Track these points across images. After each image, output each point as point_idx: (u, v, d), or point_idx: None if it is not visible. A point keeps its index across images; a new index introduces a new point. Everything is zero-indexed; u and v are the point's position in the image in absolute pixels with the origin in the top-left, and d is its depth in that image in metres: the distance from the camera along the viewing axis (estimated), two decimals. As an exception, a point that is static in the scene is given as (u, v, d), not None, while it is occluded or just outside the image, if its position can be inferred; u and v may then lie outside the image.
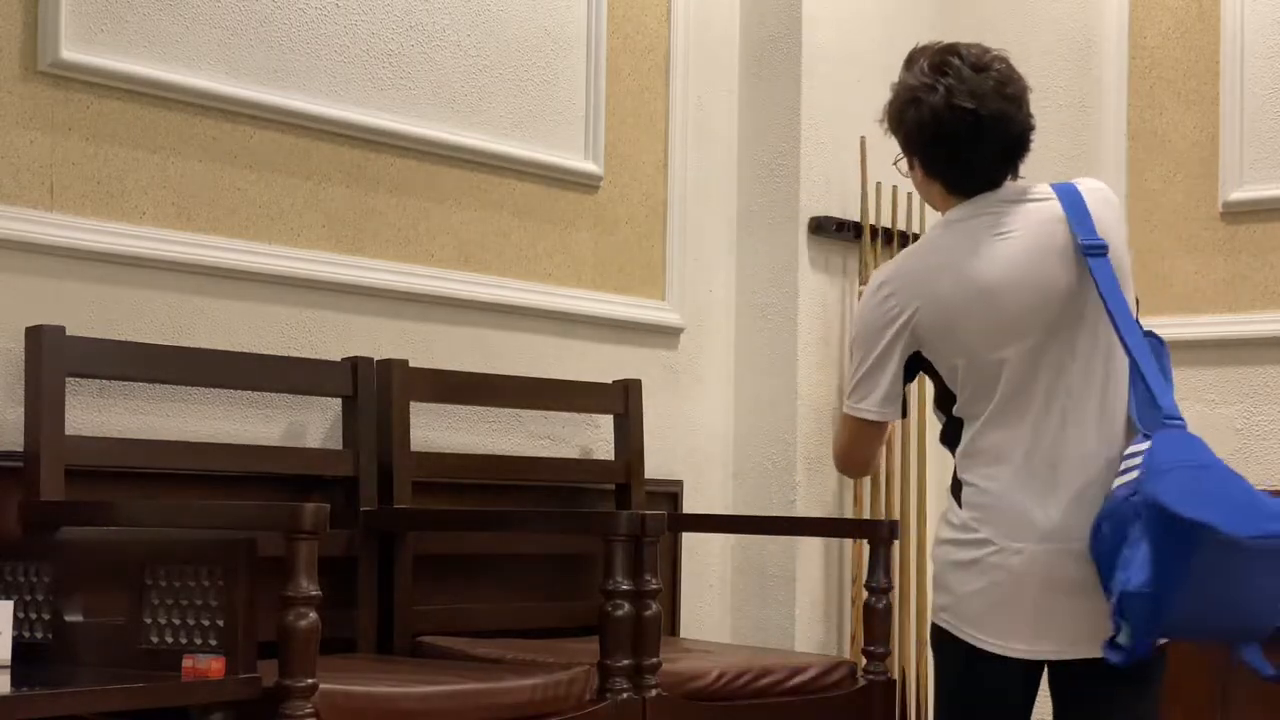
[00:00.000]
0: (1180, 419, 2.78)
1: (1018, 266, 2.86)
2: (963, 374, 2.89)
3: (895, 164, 3.04)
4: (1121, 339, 2.84)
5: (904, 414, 3.04)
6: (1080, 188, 2.93)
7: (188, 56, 3.24)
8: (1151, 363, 2.83)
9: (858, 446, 3.09)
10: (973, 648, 2.87)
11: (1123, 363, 2.86)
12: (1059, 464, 2.85)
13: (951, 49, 2.93)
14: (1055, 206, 2.90)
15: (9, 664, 2.56)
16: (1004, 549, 2.85)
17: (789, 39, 4.27)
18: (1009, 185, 2.94)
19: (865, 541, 3.80)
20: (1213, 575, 2.64)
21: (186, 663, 2.47)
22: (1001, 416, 2.87)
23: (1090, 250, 2.85)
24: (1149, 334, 2.89)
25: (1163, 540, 2.64)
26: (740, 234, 4.32)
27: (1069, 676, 2.91)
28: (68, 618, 2.70)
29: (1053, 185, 2.93)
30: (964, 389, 2.90)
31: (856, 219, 4.27)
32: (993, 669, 2.88)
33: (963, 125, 2.88)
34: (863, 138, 4.22)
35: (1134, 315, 2.88)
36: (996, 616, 2.86)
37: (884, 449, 3.13)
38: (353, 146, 3.51)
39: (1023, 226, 2.89)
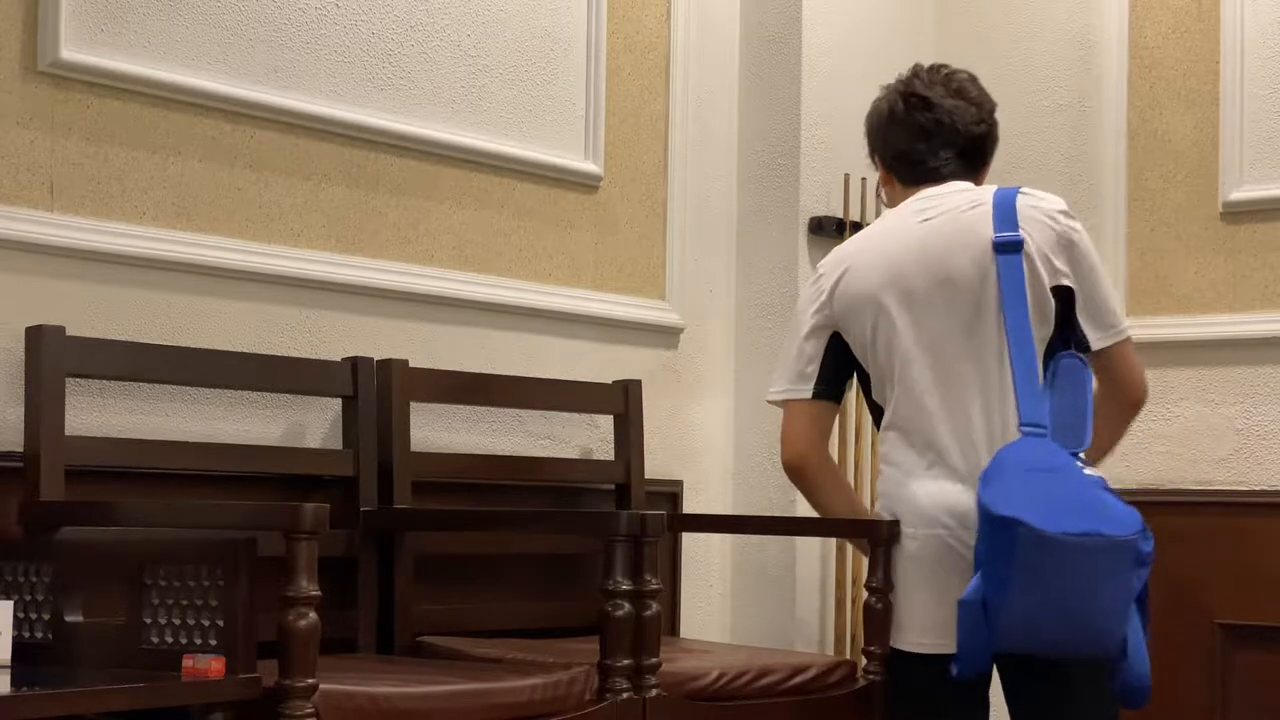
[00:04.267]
0: (1040, 426, 2.75)
1: (926, 247, 2.89)
2: (871, 351, 2.89)
3: (878, 193, 3.12)
4: (1007, 339, 2.81)
5: (827, 397, 3.00)
6: (1020, 191, 2.94)
7: (188, 56, 3.24)
8: (1028, 369, 2.79)
9: (783, 437, 3.07)
10: (897, 650, 2.87)
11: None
12: (949, 451, 2.83)
13: (920, 65, 3.11)
14: (984, 198, 2.92)
15: (9, 664, 2.56)
16: (901, 534, 2.86)
17: (789, 39, 4.27)
18: (955, 182, 2.99)
19: (865, 541, 3.80)
20: (1035, 576, 2.60)
21: (186, 663, 2.47)
22: (903, 399, 2.88)
23: (1000, 246, 2.84)
24: (1072, 354, 2.86)
25: (988, 542, 2.63)
26: (740, 234, 4.32)
27: (1006, 667, 2.89)
28: (68, 618, 2.70)
29: (998, 189, 2.95)
30: (874, 368, 2.91)
31: (856, 219, 4.28)
32: (920, 668, 2.87)
33: (915, 111, 3.01)
34: (847, 176, 4.21)
35: (1044, 320, 2.84)
36: (907, 610, 2.85)
37: (821, 455, 3.07)
38: (353, 146, 3.51)
39: (944, 212, 2.91)
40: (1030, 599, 2.62)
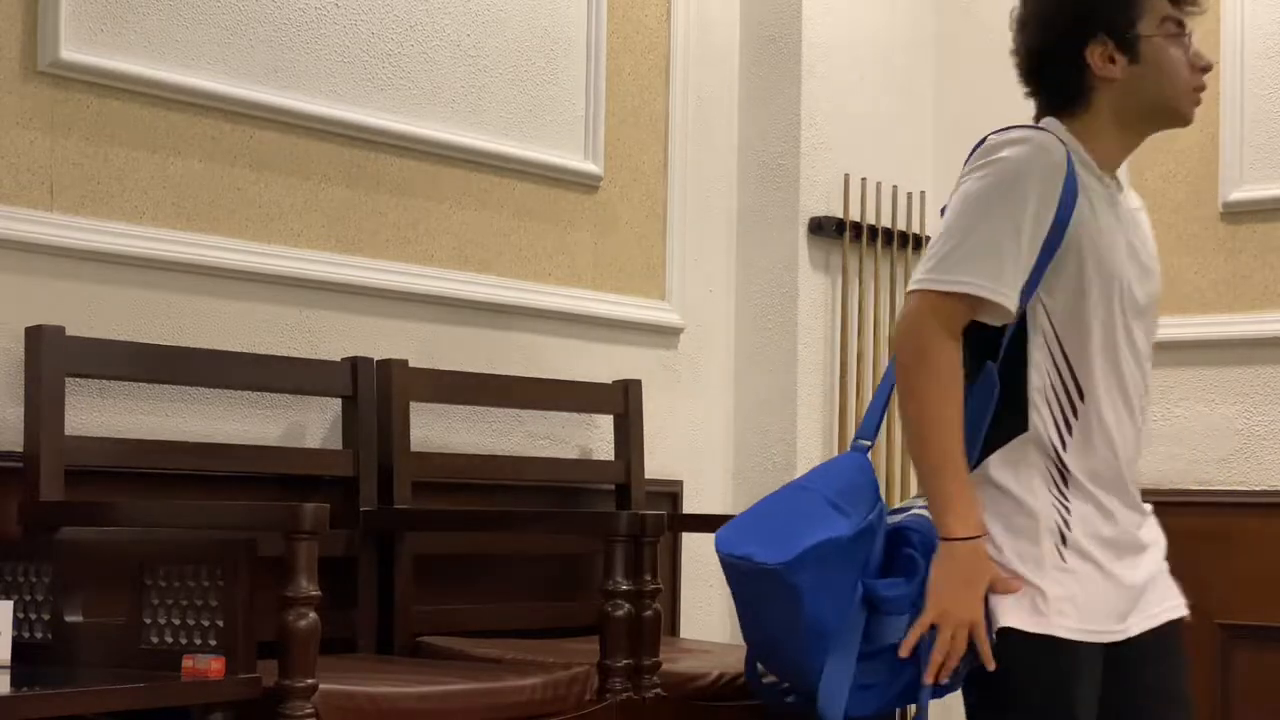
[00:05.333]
0: (864, 442, 2.55)
1: None
2: None
3: None
4: None
5: None
6: (987, 141, 2.41)
7: (188, 56, 3.24)
8: (889, 371, 2.52)
9: None
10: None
11: None
12: None
13: None
14: None
15: (9, 664, 2.56)
16: None
17: (789, 39, 4.27)
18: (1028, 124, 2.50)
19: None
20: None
21: (186, 663, 2.47)
22: None
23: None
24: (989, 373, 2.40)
25: None
26: (740, 234, 4.32)
27: None
28: (68, 618, 2.70)
29: (1005, 128, 2.43)
30: None
31: (856, 219, 4.27)
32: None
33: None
34: (847, 176, 4.20)
35: None
36: None
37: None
38: (353, 146, 3.51)
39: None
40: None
